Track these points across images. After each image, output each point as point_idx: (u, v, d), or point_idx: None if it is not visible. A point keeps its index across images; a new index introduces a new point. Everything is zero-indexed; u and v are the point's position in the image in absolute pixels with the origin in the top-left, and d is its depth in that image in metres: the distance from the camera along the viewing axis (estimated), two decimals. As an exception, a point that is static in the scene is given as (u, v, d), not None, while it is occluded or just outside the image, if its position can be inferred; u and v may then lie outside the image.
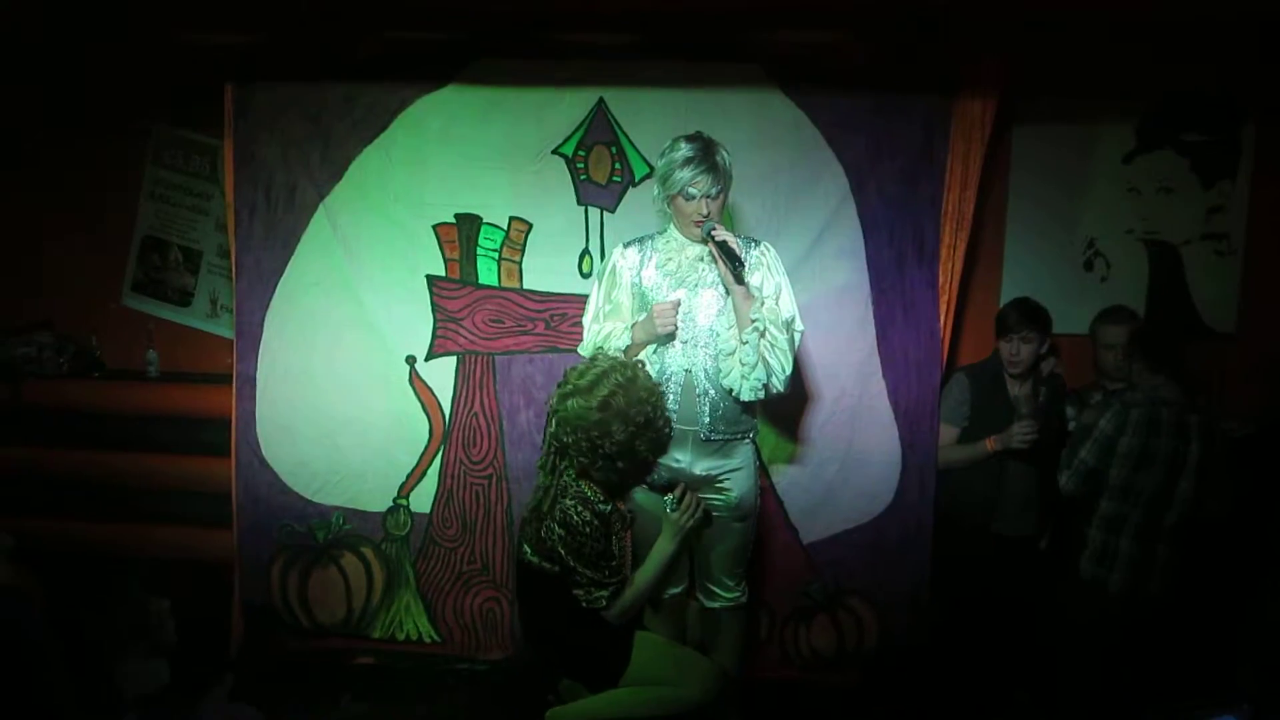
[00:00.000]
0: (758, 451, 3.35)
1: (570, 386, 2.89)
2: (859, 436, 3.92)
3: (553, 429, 2.92)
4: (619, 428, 2.81)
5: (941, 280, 3.84)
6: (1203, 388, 3.62)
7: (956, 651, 3.87)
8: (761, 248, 3.22)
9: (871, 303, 3.86)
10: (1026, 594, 3.72)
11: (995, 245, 4.16)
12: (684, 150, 3.05)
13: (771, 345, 3.05)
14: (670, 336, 3.15)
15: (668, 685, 3.05)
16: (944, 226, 3.80)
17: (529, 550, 2.98)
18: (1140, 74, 3.94)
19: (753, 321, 3.03)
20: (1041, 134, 4.06)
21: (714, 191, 3.05)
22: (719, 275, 3.10)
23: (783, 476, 3.96)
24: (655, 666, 3.06)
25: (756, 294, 3.08)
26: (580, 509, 2.87)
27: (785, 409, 3.83)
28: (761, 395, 3.10)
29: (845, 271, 3.85)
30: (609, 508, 2.93)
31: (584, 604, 2.93)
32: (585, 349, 3.33)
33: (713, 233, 3.02)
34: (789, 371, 3.11)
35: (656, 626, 3.44)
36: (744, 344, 3.05)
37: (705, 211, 3.06)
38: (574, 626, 3.01)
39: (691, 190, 3.04)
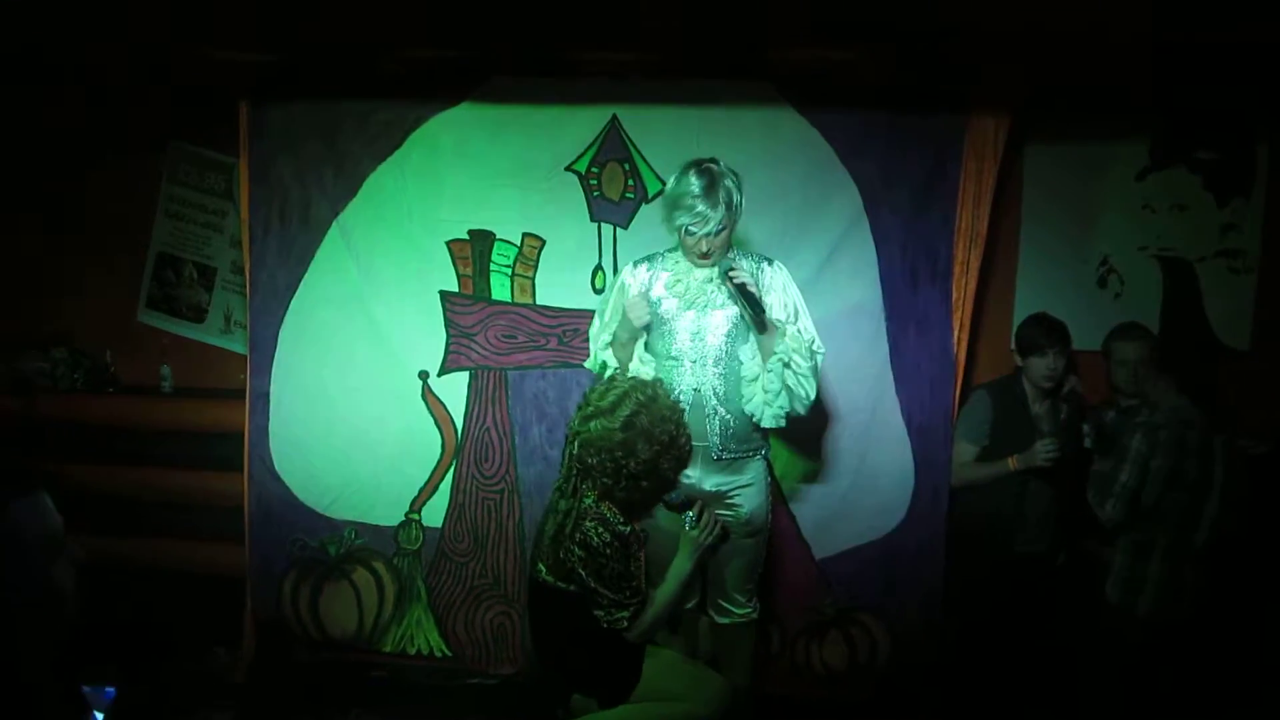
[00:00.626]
0: (770, 468, 3.34)
1: (592, 408, 2.88)
2: (872, 453, 3.91)
3: (575, 451, 2.90)
4: (643, 447, 2.80)
5: (955, 297, 3.83)
6: (1221, 407, 3.59)
7: (972, 669, 3.85)
8: (774, 267, 3.23)
9: (885, 319, 3.86)
10: (1043, 611, 3.70)
11: (1009, 262, 4.14)
12: (690, 185, 3.04)
13: (796, 374, 3.08)
14: (647, 328, 3.17)
15: (678, 701, 3.04)
16: (957, 244, 3.80)
17: (544, 569, 2.98)
18: (1153, 92, 3.92)
19: (776, 353, 3.04)
20: (1054, 152, 4.05)
21: (714, 231, 3.05)
22: (740, 312, 3.10)
23: (795, 492, 3.95)
24: (666, 681, 3.05)
25: (778, 325, 3.08)
26: (601, 531, 2.86)
27: (798, 425, 3.76)
28: (783, 423, 3.13)
29: (858, 289, 3.85)
30: (629, 529, 2.92)
31: (605, 624, 2.92)
32: (592, 364, 3.35)
33: (730, 275, 3.01)
34: (814, 396, 3.13)
35: (667, 642, 3.44)
36: (768, 373, 3.06)
37: (705, 249, 3.08)
38: (588, 644, 3.00)
39: (693, 229, 3.06)
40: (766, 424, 3.12)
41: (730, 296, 3.10)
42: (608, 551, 2.86)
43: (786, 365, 3.06)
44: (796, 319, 3.18)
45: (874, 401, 3.88)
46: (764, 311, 3.02)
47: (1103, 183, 4.06)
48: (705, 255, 3.11)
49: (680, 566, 3.03)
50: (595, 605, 2.91)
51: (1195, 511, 3.30)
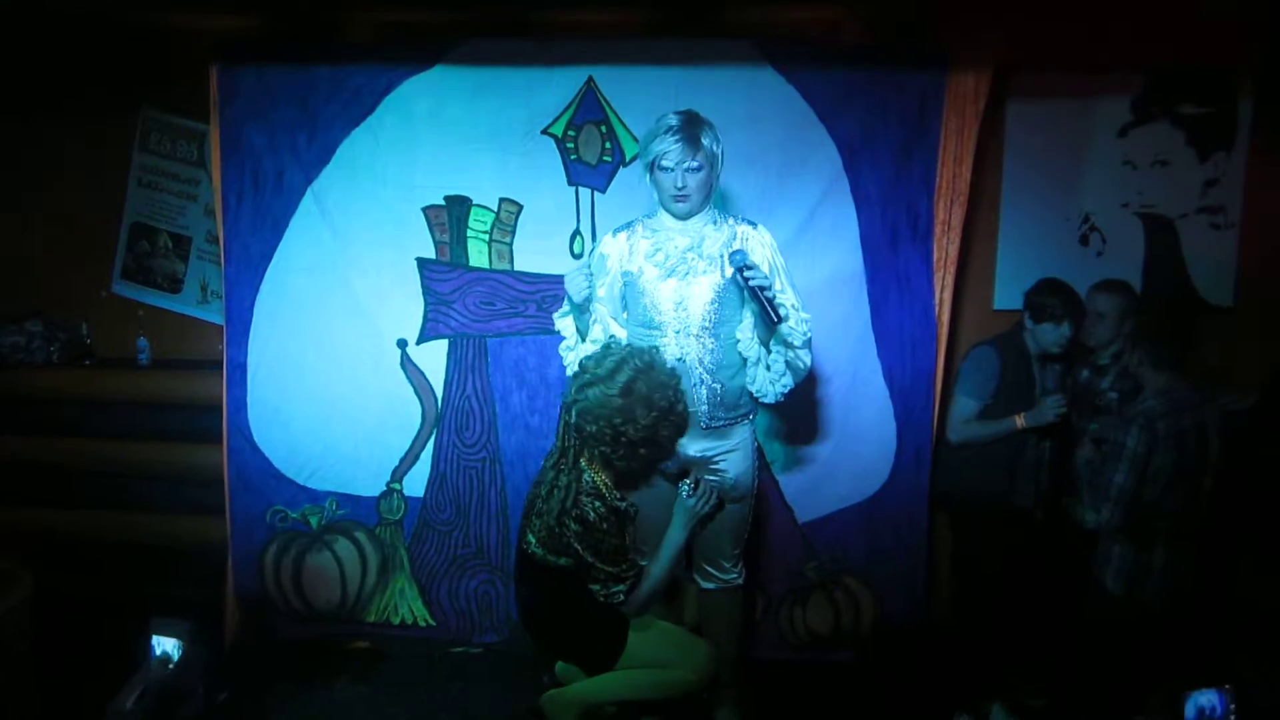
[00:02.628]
0: (755, 432, 3.32)
1: (589, 375, 2.85)
2: (853, 415, 3.90)
3: (572, 420, 2.87)
4: (642, 413, 2.77)
5: (937, 257, 3.81)
6: (1207, 371, 3.55)
7: (962, 629, 3.87)
8: (757, 231, 3.17)
9: (865, 280, 3.84)
10: (1029, 567, 3.70)
11: (990, 221, 4.11)
12: (667, 120, 3.01)
13: (796, 350, 3.07)
14: (588, 301, 3.11)
15: (663, 667, 3.04)
16: (938, 203, 3.78)
17: (534, 542, 2.96)
18: (1135, 47, 3.88)
19: (786, 339, 3.03)
20: (1036, 108, 4.00)
21: (692, 164, 2.97)
22: (749, 305, 3.06)
23: (777, 456, 3.94)
24: (651, 648, 3.06)
25: (784, 310, 3.02)
26: (599, 505, 2.86)
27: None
28: (783, 398, 3.13)
29: (838, 249, 3.82)
30: (625, 503, 2.92)
31: (602, 598, 2.92)
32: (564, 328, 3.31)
33: (747, 273, 2.92)
34: (809, 365, 3.13)
35: (655, 610, 3.43)
36: (772, 355, 3.07)
37: (681, 184, 3.00)
38: (578, 616, 3.01)
39: (666, 162, 2.98)
40: (769, 400, 3.13)
41: (743, 292, 3.04)
42: (604, 526, 2.85)
43: (789, 345, 3.05)
44: (783, 289, 3.12)
45: (855, 364, 3.87)
46: (775, 310, 2.92)
47: (1085, 139, 4.03)
48: (682, 195, 3.02)
49: (674, 537, 3.03)
50: (592, 580, 2.91)
51: (1196, 492, 3.20)
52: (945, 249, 3.80)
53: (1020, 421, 3.64)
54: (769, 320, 2.93)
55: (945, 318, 3.85)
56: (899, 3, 3.74)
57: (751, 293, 2.94)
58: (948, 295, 3.84)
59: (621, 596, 2.92)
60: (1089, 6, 3.73)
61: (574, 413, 2.86)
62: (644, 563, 3.06)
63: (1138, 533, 3.25)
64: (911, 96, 3.71)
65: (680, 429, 2.90)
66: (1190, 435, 3.20)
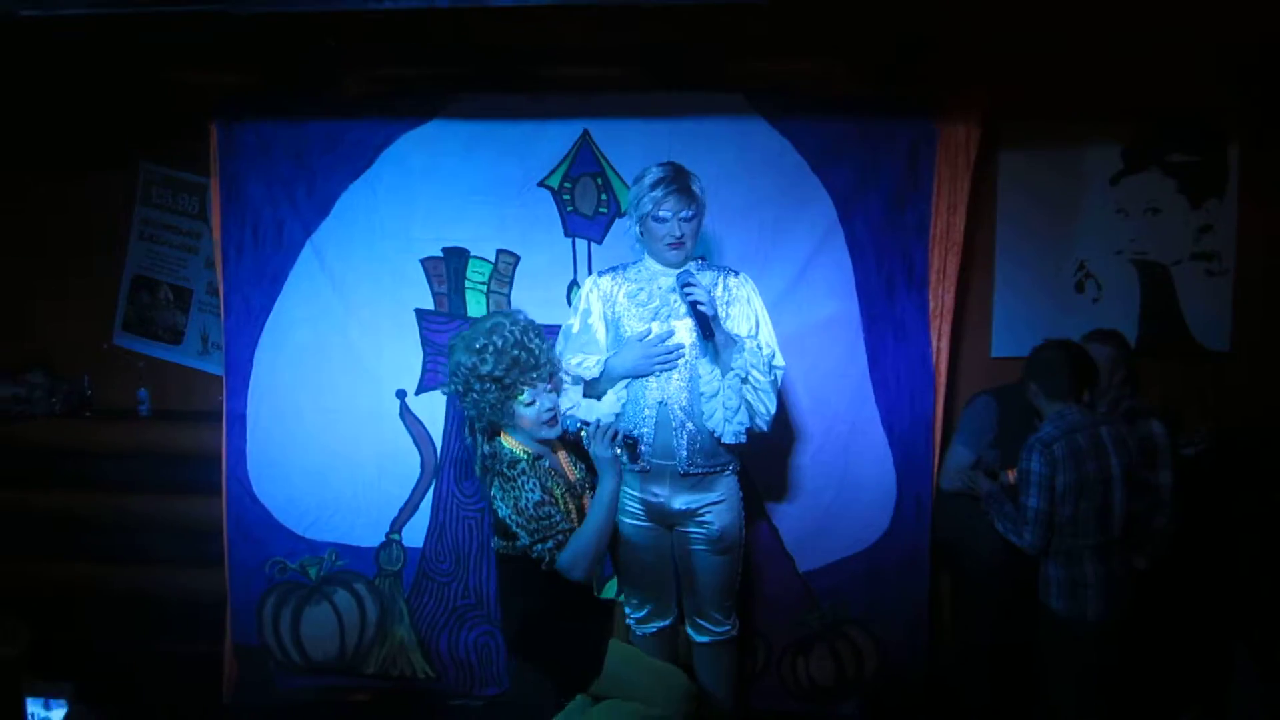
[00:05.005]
0: (740, 485, 3.30)
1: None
2: (853, 464, 3.89)
3: (459, 393, 3.08)
4: (463, 355, 2.99)
5: (933, 305, 3.83)
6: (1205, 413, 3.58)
7: (965, 678, 3.84)
8: (740, 279, 3.20)
9: (862, 330, 3.85)
10: (1030, 619, 3.69)
11: (986, 269, 4.13)
12: (654, 174, 3.07)
13: (755, 389, 3.05)
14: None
15: (639, 698, 3.05)
16: (933, 251, 3.80)
17: (494, 538, 3.10)
18: (1125, 96, 3.92)
19: (734, 368, 3.03)
20: (1028, 157, 4.04)
21: (685, 213, 3.05)
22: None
23: (777, 505, 3.93)
24: (627, 676, 3.07)
25: (737, 339, 3.06)
26: (506, 458, 3.02)
27: (778, 438, 3.79)
28: (744, 439, 3.10)
29: (835, 299, 3.84)
30: (532, 454, 3.05)
31: (533, 556, 2.96)
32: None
33: (686, 289, 2.98)
34: (774, 411, 3.10)
35: (630, 641, 3.44)
36: (727, 389, 3.04)
37: (678, 234, 3.06)
38: (552, 618, 3.05)
39: (662, 212, 3.05)
40: (727, 440, 3.09)
41: (687, 310, 3.08)
42: (517, 478, 2.97)
43: (744, 380, 3.04)
44: (757, 332, 3.15)
45: (854, 412, 3.87)
46: (712, 329, 2.99)
47: (1077, 187, 4.06)
48: (679, 242, 3.08)
49: (602, 489, 3.04)
50: (525, 542, 2.96)
51: (1107, 507, 3.30)
52: (941, 297, 3.82)
53: (1011, 476, 3.63)
54: (703, 337, 3.02)
55: (943, 366, 3.85)
56: (889, 53, 3.78)
57: (691, 310, 3.00)
58: (944, 343, 3.85)
59: (551, 554, 2.95)
60: (1078, 57, 3.76)
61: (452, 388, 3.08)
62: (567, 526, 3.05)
63: (1068, 550, 3.33)
64: (903, 146, 3.75)
65: (518, 363, 2.99)
66: (1087, 454, 3.28)
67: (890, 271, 3.81)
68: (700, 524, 3.19)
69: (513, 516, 2.97)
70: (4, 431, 4.42)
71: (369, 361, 3.98)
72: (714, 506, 3.18)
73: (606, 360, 3.19)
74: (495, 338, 2.98)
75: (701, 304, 2.94)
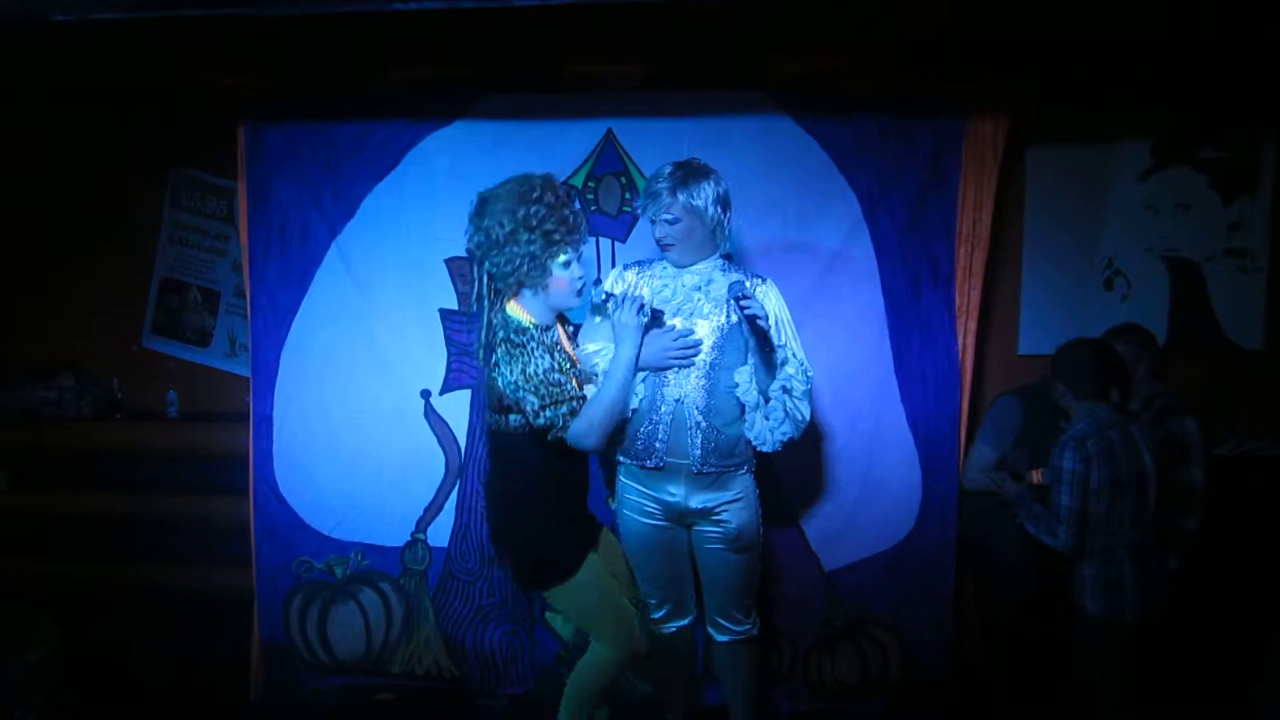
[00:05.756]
0: (756, 483, 3.28)
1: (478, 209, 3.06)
2: (878, 463, 3.87)
3: (476, 256, 3.06)
4: (504, 211, 2.95)
5: (959, 303, 3.80)
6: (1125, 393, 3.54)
7: (989, 676, 3.80)
8: (766, 285, 3.17)
9: (888, 327, 3.82)
10: (1059, 619, 3.65)
11: (1013, 266, 4.10)
12: (659, 170, 3.11)
13: (794, 399, 3.05)
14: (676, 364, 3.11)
15: (591, 627, 3.18)
16: (959, 249, 3.77)
17: (490, 414, 3.08)
18: (1155, 92, 3.88)
19: (779, 380, 3.03)
20: (1056, 154, 4.01)
21: (666, 216, 3.05)
22: (746, 337, 3.08)
23: (802, 504, 3.91)
24: (586, 598, 3.15)
25: (782, 352, 3.04)
26: (516, 324, 2.99)
27: (802, 436, 3.77)
28: (781, 447, 3.11)
29: (860, 296, 3.82)
30: (540, 324, 3.05)
31: (542, 425, 2.94)
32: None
33: (743, 303, 2.92)
34: (808, 419, 3.11)
35: (666, 658, 3.43)
36: (771, 401, 3.04)
37: (660, 234, 3.10)
38: (526, 488, 3.07)
39: (649, 214, 3.09)
40: (767, 449, 3.10)
41: (740, 323, 3.06)
42: (526, 344, 2.94)
43: (788, 392, 3.03)
44: (786, 341, 3.12)
45: (879, 411, 3.85)
46: (772, 342, 2.98)
47: (1106, 183, 4.02)
48: (664, 244, 3.11)
49: (620, 353, 3.02)
50: (534, 406, 2.92)
51: (1142, 504, 3.27)
52: (967, 295, 3.80)
53: (1037, 477, 3.59)
54: (764, 349, 2.99)
55: (969, 364, 3.83)
56: (916, 50, 3.76)
57: (748, 322, 2.96)
58: (970, 341, 3.82)
59: (562, 420, 2.93)
60: (1107, 52, 3.72)
61: (473, 245, 3.05)
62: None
63: (1102, 551, 3.29)
64: (929, 143, 3.73)
65: (565, 224, 2.99)
66: (1120, 450, 3.24)
67: (916, 269, 3.78)
68: (717, 523, 3.17)
69: (520, 383, 2.92)
70: (35, 433, 4.48)
71: (394, 362, 3.99)
72: (730, 505, 3.16)
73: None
74: (548, 194, 2.96)
75: (760, 318, 2.92)
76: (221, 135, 4.00)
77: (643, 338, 3.02)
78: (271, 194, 3.96)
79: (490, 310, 3.08)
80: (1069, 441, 3.28)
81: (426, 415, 4.00)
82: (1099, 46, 3.71)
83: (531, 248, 2.95)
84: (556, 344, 3.08)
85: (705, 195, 3.05)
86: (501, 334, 3.00)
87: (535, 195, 2.95)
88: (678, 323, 3.12)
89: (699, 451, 3.08)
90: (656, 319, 3.07)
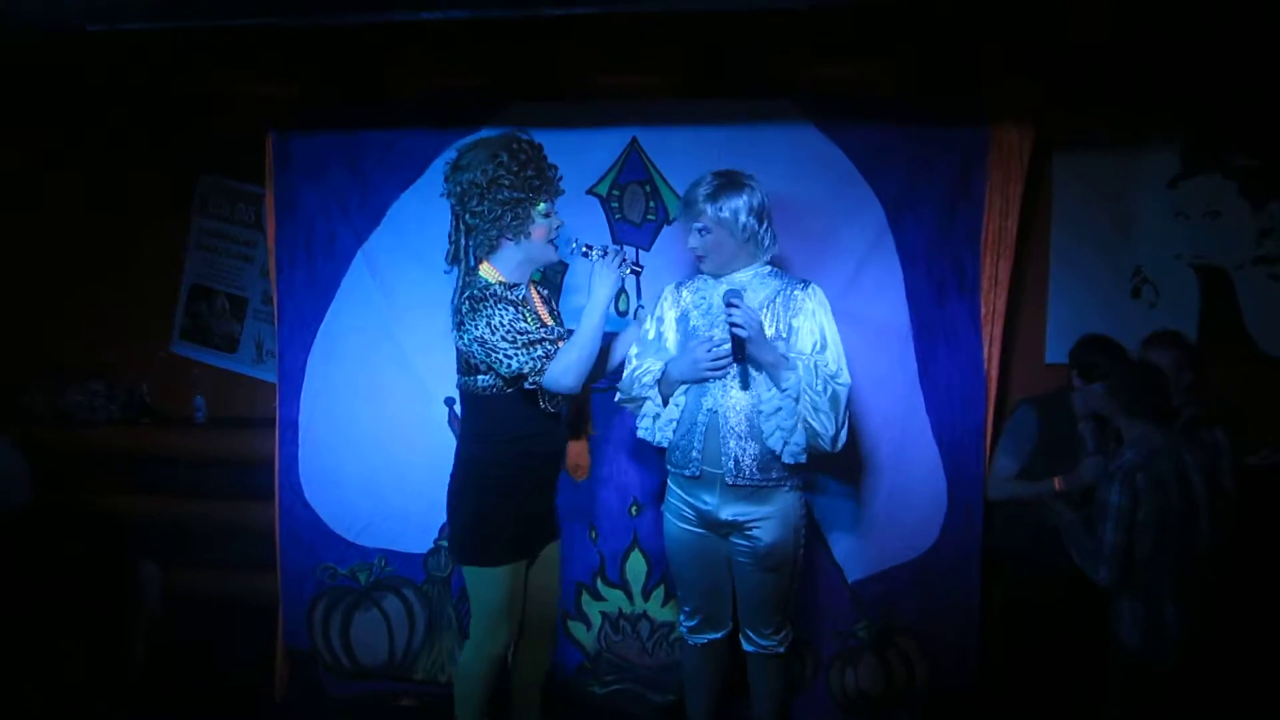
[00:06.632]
0: (803, 503, 3.25)
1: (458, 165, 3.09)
2: (903, 472, 3.84)
3: (450, 199, 3.10)
4: (485, 159, 2.99)
5: (984, 311, 3.77)
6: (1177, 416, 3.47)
7: (1017, 691, 3.76)
8: (808, 291, 3.14)
9: (912, 335, 3.80)
10: (1087, 632, 3.61)
11: (1040, 274, 4.06)
12: (698, 179, 3.13)
13: (813, 409, 2.99)
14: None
15: (474, 620, 3.21)
16: (984, 257, 3.74)
17: (459, 376, 3.14)
18: (1184, 98, 3.84)
19: (785, 389, 3.01)
20: (1083, 160, 3.97)
21: (696, 225, 3.09)
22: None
23: (825, 513, 3.89)
24: (491, 591, 3.14)
25: (790, 358, 3.03)
26: (483, 286, 3.02)
27: (839, 451, 3.77)
28: (804, 459, 3.07)
29: (885, 304, 3.80)
30: (507, 282, 3.07)
31: (515, 373, 2.95)
32: (623, 384, 3.32)
33: (729, 309, 2.99)
34: (834, 432, 3.02)
35: (694, 670, 3.40)
36: (782, 409, 3.03)
37: (692, 244, 3.13)
38: (485, 453, 3.10)
39: (684, 221, 3.13)
40: (786, 459, 3.06)
41: (778, 333, 3.09)
42: (487, 298, 2.96)
43: (797, 400, 3.00)
44: (823, 349, 3.08)
45: (904, 420, 3.82)
46: (744, 352, 3.00)
47: (1133, 191, 3.97)
48: (697, 256, 3.15)
49: (597, 295, 3.05)
50: (505, 358, 2.94)
51: (1191, 539, 3.13)
52: (993, 303, 3.76)
53: (1059, 484, 3.56)
54: (735, 358, 3.03)
55: (994, 373, 3.80)
56: (941, 57, 3.75)
57: (728, 329, 3.00)
58: (996, 350, 3.79)
59: (539, 364, 2.94)
60: (1136, 59, 3.70)
61: (452, 198, 3.08)
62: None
63: (1146, 589, 3.17)
64: (955, 150, 3.70)
65: (537, 177, 3.04)
66: (1172, 484, 3.12)
67: (941, 277, 3.76)
68: (748, 537, 3.15)
69: (486, 336, 2.94)
70: (67, 437, 4.53)
71: (418, 369, 4.01)
72: (764, 521, 3.13)
73: (665, 365, 3.20)
74: (525, 144, 3.03)
75: (738, 326, 2.94)
76: (250, 143, 4.04)
77: (620, 286, 3.10)
78: (299, 201, 4.00)
79: (462, 273, 3.13)
80: (1116, 474, 3.15)
81: (450, 423, 4.01)
82: (1127, 53, 3.68)
83: (515, 193, 2.99)
84: (524, 300, 3.09)
85: (736, 207, 3.05)
86: (467, 293, 3.03)
87: (514, 146, 3.00)
88: (716, 334, 3.12)
89: (732, 463, 3.07)
90: (636, 273, 3.16)
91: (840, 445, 3.06)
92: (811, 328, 3.10)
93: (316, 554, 4.11)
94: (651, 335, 3.29)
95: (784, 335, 3.10)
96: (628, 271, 3.09)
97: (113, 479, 4.50)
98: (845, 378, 3.07)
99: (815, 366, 3.02)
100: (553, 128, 3.81)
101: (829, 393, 3.00)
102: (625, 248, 3.56)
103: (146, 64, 4.00)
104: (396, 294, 3.99)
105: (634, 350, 3.30)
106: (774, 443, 3.06)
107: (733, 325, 2.96)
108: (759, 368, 3.05)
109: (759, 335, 2.99)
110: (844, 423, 3.05)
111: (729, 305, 2.98)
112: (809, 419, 3.00)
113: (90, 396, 4.58)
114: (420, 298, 3.97)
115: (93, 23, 3.15)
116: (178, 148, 4.47)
